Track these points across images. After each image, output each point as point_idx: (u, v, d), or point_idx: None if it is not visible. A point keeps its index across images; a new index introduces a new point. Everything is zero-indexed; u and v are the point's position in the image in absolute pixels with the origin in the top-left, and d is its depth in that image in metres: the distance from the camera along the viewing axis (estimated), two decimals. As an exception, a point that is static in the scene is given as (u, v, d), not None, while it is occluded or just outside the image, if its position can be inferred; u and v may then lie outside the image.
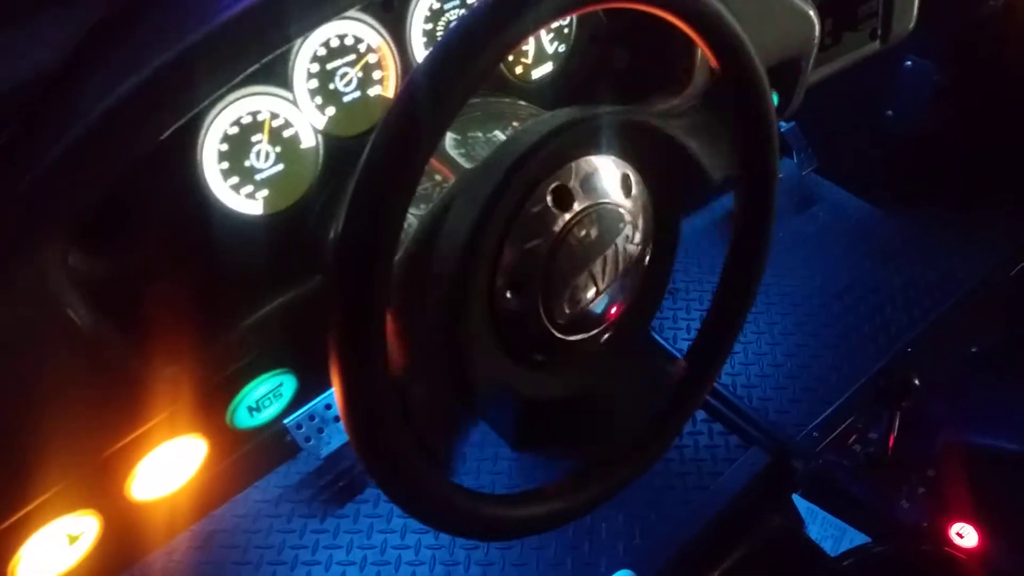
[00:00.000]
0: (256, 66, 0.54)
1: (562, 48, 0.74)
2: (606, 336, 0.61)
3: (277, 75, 0.59)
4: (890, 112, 1.51)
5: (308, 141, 0.61)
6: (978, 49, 1.40)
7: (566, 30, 0.74)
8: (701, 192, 0.63)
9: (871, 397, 1.14)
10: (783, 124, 1.60)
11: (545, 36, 0.72)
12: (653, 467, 0.69)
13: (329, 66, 0.61)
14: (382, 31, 0.62)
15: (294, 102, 0.60)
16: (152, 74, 0.50)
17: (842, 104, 1.49)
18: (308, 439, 1.18)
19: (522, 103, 0.70)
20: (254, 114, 0.58)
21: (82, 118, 0.49)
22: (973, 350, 1.32)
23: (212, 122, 0.57)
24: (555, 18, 0.50)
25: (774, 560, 1.08)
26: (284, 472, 1.27)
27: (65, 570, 0.56)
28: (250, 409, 0.61)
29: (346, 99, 0.62)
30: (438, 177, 0.61)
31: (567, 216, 0.55)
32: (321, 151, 0.62)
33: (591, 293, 0.58)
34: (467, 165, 0.60)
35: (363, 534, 1.23)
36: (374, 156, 0.47)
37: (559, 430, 0.68)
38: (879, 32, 0.90)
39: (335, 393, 0.51)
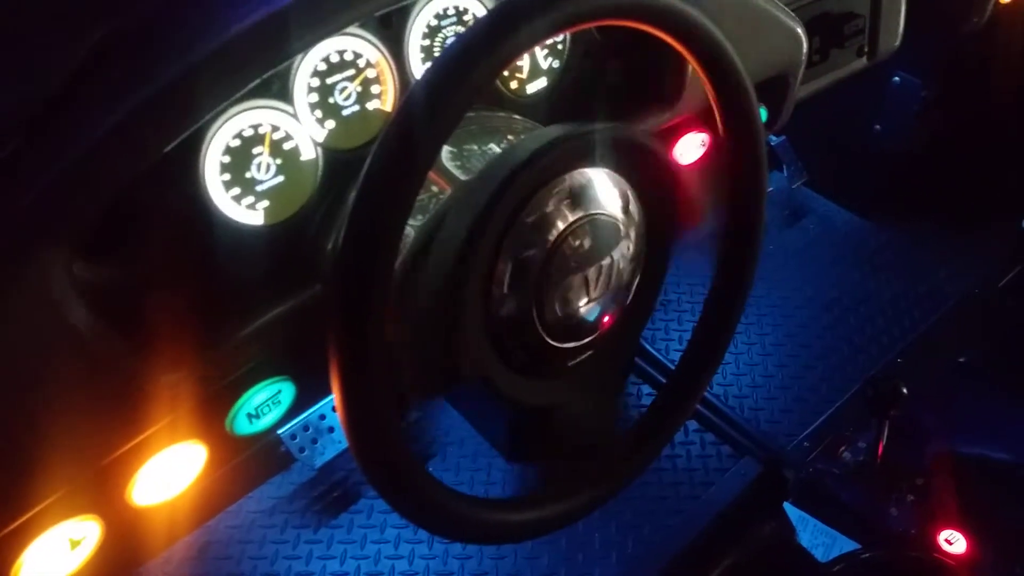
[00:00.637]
0: (258, 81, 0.55)
1: (556, 64, 0.75)
2: (596, 345, 0.63)
3: (278, 89, 0.60)
4: (878, 127, 1.54)
5: (308, 153, 0.63)
6: (964, 65, 1.43)
7: (560, 46, 0.75)
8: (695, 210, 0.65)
9: (860, 406, 1.15)
10: (773, 138, 1.62)
11: (540, 52, 0.74)
12: (644, 477, 0.70)
13: (329, 80, 0.62)
14: (381, 47, 0.64)
15: (295, 115, 0.61)
16: (156, 89, 0.51)
17: (832, 118, 1.51)
18: (302, 449, 1.18)
19: (517, 117, 0.71)
20: (255, 127, 0.60)
21: (87, 131, 0.50)
22: (961, 360, 1.33)
23: (215, 135, 0.58)
24: (550, 35, 0.52)
25: (766, 568, 1.09)
26: (278, 482, 1.28)
27: (67, 575, 0.57)
28: (249, 416, 0.62)
29: (345, 113, 0.64)
30: (435, 189, 0.63)
31: (561, 226, 0.57)
32: (320, 163, 0.63)
33: (583, 302, 0.59)
34: (463, 177, 0.62)
35: (357, 544, 1.24)
36: (374, 169, 0.49)
37: (550, 442, 0.69)
38: (866, 49, 0.92)
39: (335, 401, 0.52)
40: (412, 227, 0.60)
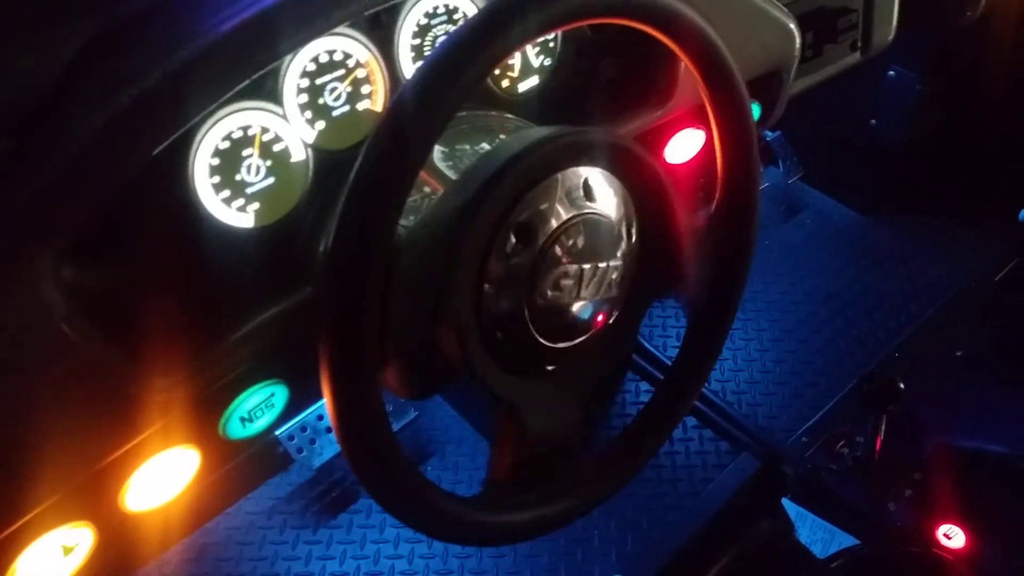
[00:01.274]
0: (247, 82, 0.55)
1: (548, 62, 0.75)
2: (584, 348, 0.62)
3: (267, 90, 0.60)
4: (874, 121, 1.53)
5: (298, 155, 0.62)
6: (958, 59, 1.42)
7: (552, 44, 0.75)
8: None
9: (858, 402, 1.15)
10: (769, 133, 1.62)
11: (531, 50, 0.73)
12: (643, 474, 0.69)
13: (318, 81, 0.62)
14: (370, 46, 0.63)
15: (284, 117, 0.61)
16: (144, 91, 0.51)
17: (827, 113, 1.51)
18: (300, 450, 1.18)
19: (509, 116, 0.71)
20: (245, 129, 0.59)
21: (75, 134, 0.50)
22: (958, 354, 1.33)
23: (204, 137, 0.57)
24: (541, 34, 0.51)
25: (764, 564, 1.09)
26: (277, 483, 1.28)
27: (60, 581, 0.57)
28: (242, 420, 0.62)
29: (335, 113, 0.63)
30: (427, 189, 0.62)
31: (554, 224, 0.56)
32: (311, 164, 0.63)
33: (575, 302, 0.59)
34: (455, 177, 0.61)
35: (356, 544, 1.23)
36: (364, 169, 0.48)
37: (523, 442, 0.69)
38: (859, 44, 0.91)
39: (326, 403, 0.51)
40: (404, 227, 0.60)
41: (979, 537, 1.03)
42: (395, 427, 1.30)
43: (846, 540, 1.06)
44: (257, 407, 0.62)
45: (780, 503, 1.14)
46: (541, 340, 0.60)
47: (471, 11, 0.69)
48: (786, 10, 0.80)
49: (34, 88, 0.54)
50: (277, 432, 1.08)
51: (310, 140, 0.63)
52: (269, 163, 0.61)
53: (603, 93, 0.77)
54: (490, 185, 0.54)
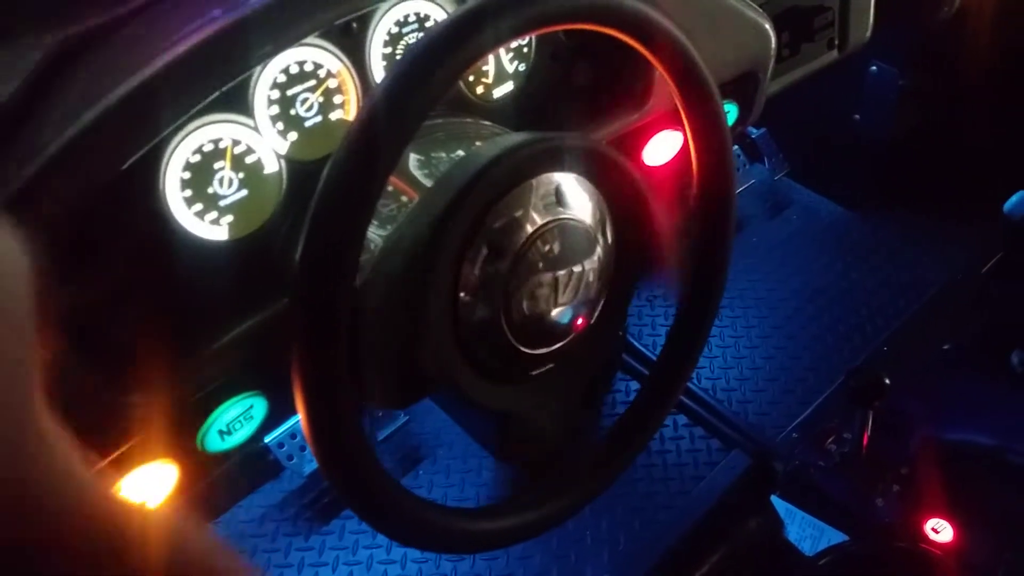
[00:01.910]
0: (217, 94, 0.54)
1: (522, 67, 0.74)
2: (563, 355, 0.62)
3: (238, 102, 0.59)
4: (858, 116, 1.53)
5: (271, 166, 0.62)
6: (938, 54, 1.42)
7: (526, 49, 0.74)
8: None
9: (845, 398, 1.14)
10: (754, 130, 1.61)
11: (505, 55, 0.73)
12: (635, 473, 0.70)
13: (290, 92, 0.61)
14: (342, 56, 0.63)
15: (255, 128, 0.60)
16: (113, 103, 0.50)
17: (812, 109, 1.50)
18: (291, 457, 1.17)
19: (485, 123, 0.70)
20: (216, 141, 0.59)
21: (41, 147, 0.49)
22: (945, 348, 1.33)
23: (174, 150, 0.57)
24: (510, 39, 0.51)
25: (754, 563, 1.09)
26: (267, 491, 1.27)
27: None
28: (221, 432, 0.61)
29: (308, 124, 0.63)
30: (404, 198, 0.62)
31: (529, 230, 0.56)
32: (284, 176, 0.63)
33: (552, 308, 0.59)
34: (429, 185, 0.61)
35: (348, 550, 1.23)
36: (333, 175, 0.48)
37: (539, 441, 0.69)
38: (836, 42, 0.91)
39: (300, 416, 0.51)
40: (380, 237, 0.59)
41: (967, 531, 1.03)
42: (385, 432, 1.31)
43: (835, 536, 1.05)
44: (236, 419, 0.62)
45: (770, 501, 1.14)
46: (521, 348, 0.59)
47: (442, 18, 0.68)
48: (760, 10, 0.79)
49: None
50: (266, 440, 1.08)
51: (283, 152, 0.62)
52: (241, 176, 0.60)
53: (579, 98, 0.76)
54: (462, 195, 0.54)
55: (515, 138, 0.58)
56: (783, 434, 1.27)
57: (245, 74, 0.56)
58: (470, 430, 1.18)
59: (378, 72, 0.66)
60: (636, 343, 1.45)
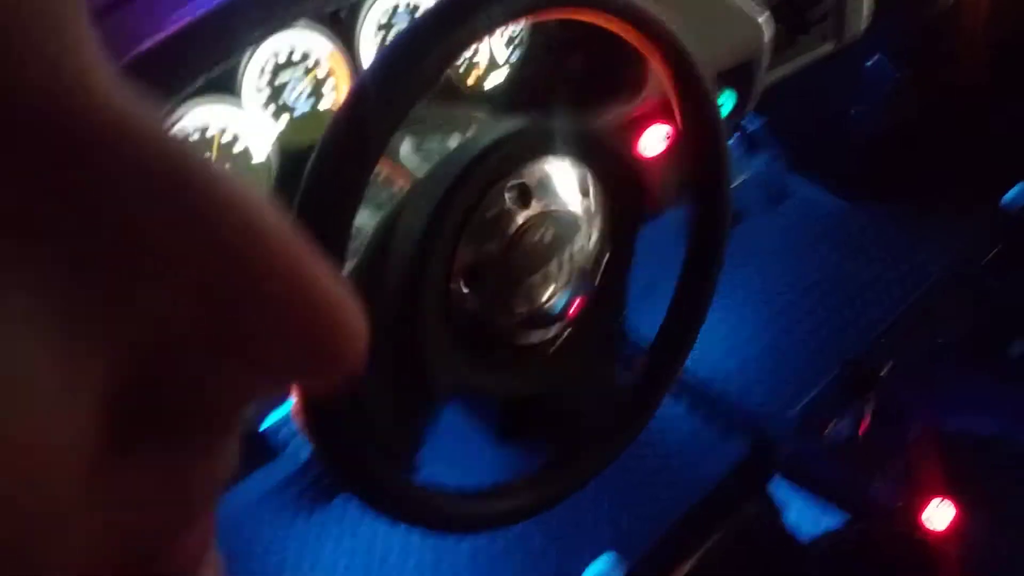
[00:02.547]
0: (203, 78, 0.53)
1: (516, 56, 0.73)
2: (564, 337, 0.61)
3: (226, 89, 0.58)
4: (855, 108, 1.51)
5: (259, 156, 0.60)
6: (935, 46, 1.39)
7: (520, 37, 0.73)
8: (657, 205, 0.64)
9: (843, 388, 1.13)
10: (752, 123, 1.59)
11: (499, 44, 0.71)
12: (638, 453, 0.68)
13: (279, 79, 0.60)
14: (332, 43, 0.61)
15: (244, 116, 0.59)
16: None
17: (809, 102, 1.48)
18: (287, 442, 1.16)
19: (478, 111, 0.69)
20: (202, 130, 0.57)
21: None
22: (939, 341, 1.31)
23: None
24: (502, 25, 0.50)
25: (752, 544, 1.08)
26: (265, 473, 1.26)
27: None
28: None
29: (297, 112, 0.61)
30: (397, 187, 0.61)
31: (521, 219, 0.55)
32: (274, 165, 0.61)
33: (547, 294, 0.58)
34: (422, 175, 0.60)
35: (348, 533, 1.22)
36: (320, 160, 0.47)
37: (539, 422, 0.68)
38: (832, 34, 0.90)
39: (294, 403, 0.50)
40: (371, 225, 0.58)
41: (964, 516, 1.01)
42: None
43: (834, 520, 1.04)
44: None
45: (768, 485, 1.12)
46: (518, 337, 0.59)
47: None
48: (755, 2, 0.77)
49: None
50: (262, 427, 1.06)
51: (272, 139, 0.61)
52: (228, 165, 0.59)
53: (573, 87, 0.74)
54: (456, 187, 0.53)
55: (510, 124, 0.57)
56: (782, 421, 1.25)
57: (234, 58, 0.54)
58: (469, 410, 1.17)
59: (368, 60, 0.64)
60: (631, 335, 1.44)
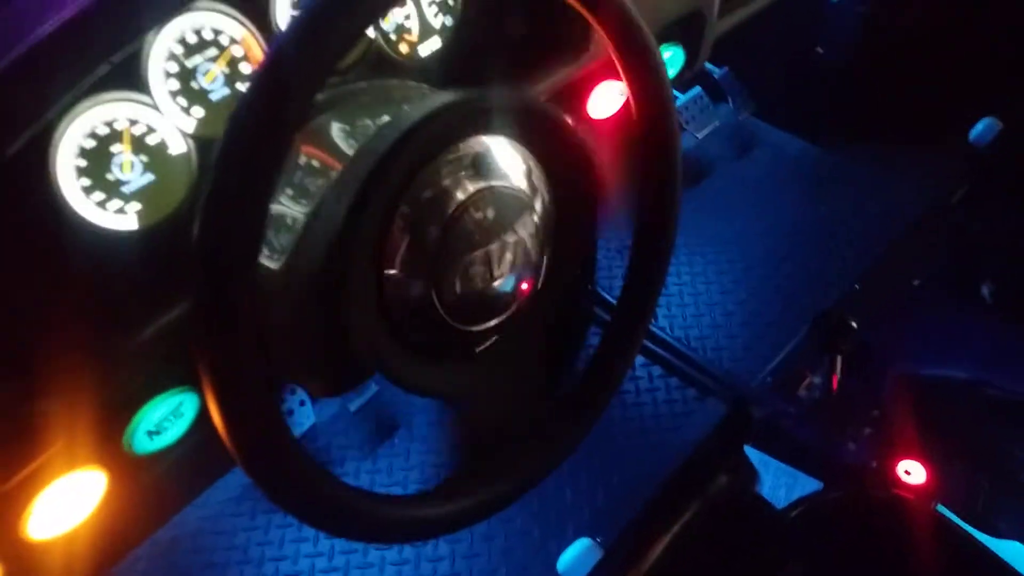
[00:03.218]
0: (103, 68, 0.49)
1: (449, 21, 0.69)
2: (506, 329, 0.58)
3: (131, 78, 0.54)
4: (820, 49, 1.48)
5: (178, 146, 0.57)
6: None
7: (452, 2, 0.69)
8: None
9: (813, 342, 1.12)
10: (716, 70, 1.56)
11: (430, 10, 0.67)
12: (612, 427, 0.67)
13: (189, 63, 0.56)
14: (244, 21, 0.57)
15: (154, 106, 0.55)
16: None
17: (773, 45, 1.45)
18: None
19: (412, 84, 0.66)
20: (110, 123, 0.53)
21: None
22: (916, 283, 1.30)
23: (63, 135, 0.52)
24: None
25: (726, 516, 1.07)
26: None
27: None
28: (150, 433, 0.57)
29: (213, 97, 0.58)
30: (332, 173, 0.57)
31: (460, 198, 0.52)
32: (194, 155, 0.58)
33: (487, 280, 0.55)
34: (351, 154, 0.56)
35: (327, 526, 1.21)
36: (232, 135, 0.42)
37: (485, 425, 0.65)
38: (789, -27, 0.86)
39: (214, 419, 0.47)
40: (301, 213, 0.55)
41: (941, 469, 1.01)
42: (357, 405, 1.28)
43: (809, 485, 1.04)
44: (165, 418, 0.58)
45: (744, 451, 1.12)
46: (458, 325, 0.55)
47: None
48: (702, -56, 0.74)
49: None
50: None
51: (189, 130, 0.57)
52: (145, 159, 0.55)
53: (513, 51, 0.71)
54: (384, 162, 0.49)
55: (439, 99, 0.53)
56: (757, 379, 1.24)
57: (132, 44, 0.51)
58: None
59: None
60: (607, 296, 1.42)
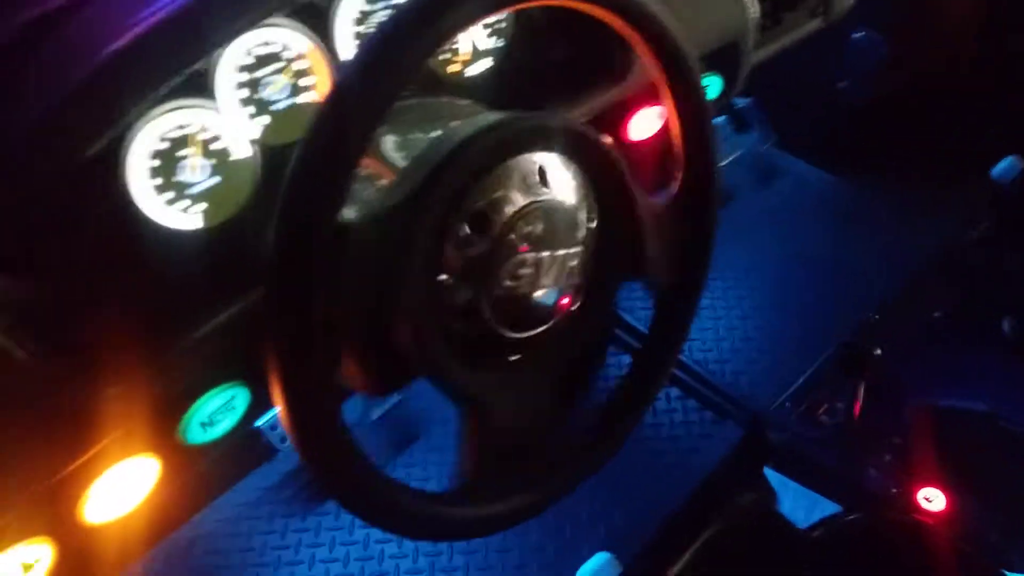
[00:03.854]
0: (178, 78, 0.53)
1: (499, 44, 0.72)
2: (548, 337, 0.60)
3: (201, 87, 0.57)
4: (843, 83, 1.51)
5: (242, 152, 0.60)
6: (921, 19, 1.39)
7: (503, 24, 0.72)
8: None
9: (836, 369, 1.14)
10: (741, 100, 1.59)
11: (481, 32, 0.71)
12: (629, 447, 0.69)
13: (256, 75, 0.59)
14: (308, 36, 0.61)
15: (221, 114, 0.58)
16: (72, 90, 0.49)
17: (798, 77, 1.48)
18: (284, 439, 1.16)
19: (462, 102, 0.69)
20: (182, 128, 0.57)
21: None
22: (936, 315, 1.32)
23: (137, 138, 0.55)
24: (486, 15, 0.50)
25: (748, 535, 1.09)
26: (263, 473, 1.26)
27: (22, 599, 0.55)
28: (203, 424, 0.60)
29: (277, 107, 0.61)
30: (382, 181, 0.60)
31: (510, 212, 0.55)
32: (258, 161, 0.61)
33: (533, 284, 0.57)
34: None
35: (345, 530, 1.22)
36: (303, 156, 0.47)
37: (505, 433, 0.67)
38: (821, 10, 0.89)
39: (277, 407, 0.50)
40: (356, 219, 0.58)
41: (960, 498, 1.02)
42: (379, 412, 1.30)
43: (828, 508, 1.05)
44: (217, 411, 0.61)
45: (763, 473, 1.13)
46: (502, 331, 0.58)
47: None
48: (741, -21, 0.77)
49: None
50: (257, 423, 1.07)
51: (255, 136, 0.60)
52: (212, 162, 0.59)
53: (558, 74, 0.74)
54: (439, 172, 0.52)
55: (491, 117, 0.56)
56: (776, 404, 1.26)
57: (205, 57, 0.54)
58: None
59: (347, 52, 0.63)
60: (628, 317, 1.44)
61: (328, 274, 0.48)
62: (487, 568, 1.19)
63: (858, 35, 1.44)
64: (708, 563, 1.01)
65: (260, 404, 0.63)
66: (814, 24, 0.91)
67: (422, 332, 0.55)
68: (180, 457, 0.60)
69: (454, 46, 0.70)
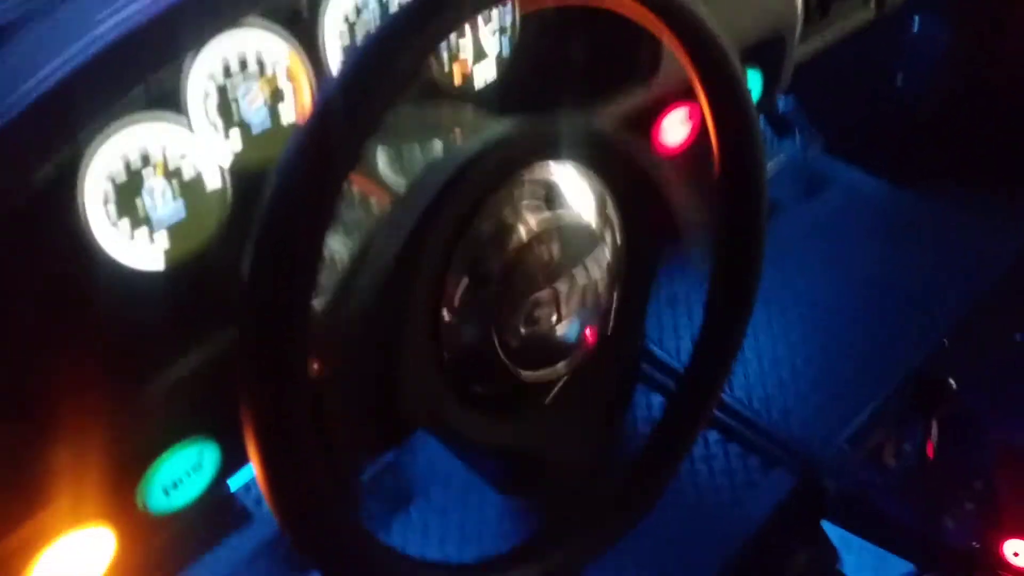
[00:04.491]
0: (139, 90, 0.51)
1: (507, 44, 0.71)
2: (574, 375, 0.59)
3: (168, 100, 0.56)
4: (900, 78, 1.49)
5: (211, 177, 0.58)
6: (990, 5, 1.38)
7: (509, 22, 0.71)
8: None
9: (904, 403, 1.11)
10: (781, 101, 1.58)
11: (487, 31, 0.70)
12: (664, 500, 0.68)
13: (230, 87, 0.58)
14: (291, 44, 0.59)
15: (190, 131, 0.57)
16: (14, 104, 0.47)
17: (847, 74, 1.47)
18: (260, 502, 1.14)
19: (465, 110, 0.67)
20: (144, 148, 0.55)
21: None
22: (1017, 338, 1.29)
23: (93, 159, 0.53)
24: (484, 8, 0.48)
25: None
26: (235, 544, 1.23)
27: None
28: (165, 489, 0.58)
29: (253, 125, 0.59)
30: (373, 202, 0.59)
31: (523, 234, 0.54)
32: (228, 188, 0.59)
33: (553, 322, 0.56)
34: (402, 188, 0.58)
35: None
36: (281, 178, 0.45)
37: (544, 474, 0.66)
38: None
39: (255, 470, 0.48)
40: (346, 249, 0.56)
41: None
42: (368, 473, 1.28)
43: (900, 567, 1.02)
44: (183, 472, 0.58)
45: (821, 527, 1.10)
46: (522, 372, 0.57)
47: None
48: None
49: None
50: (232, 486, 1.04)
51: (226, 159, 0.59)
52: (177, 189, 0.57)
53: (575, 75, 0.73)
54: (441, 198, 0.51)
55: (500, 128, 0.56)
56: (832, 447, 1.23)
57: (172, 62, 0.53)
58: (466, 458, 1.16)
59: (334, 64, 0.62)
60: (657, 350, 1.42)
61: (309, 311, 0.47)
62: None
63: (917, 26, 1.42)
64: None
65: (232, 463, 0.61)
66: (866, 14, 0.90)
67: (423, 383, 0.54)
68: (139, 528, 0.58)
69: (455, 47, 0.68)
